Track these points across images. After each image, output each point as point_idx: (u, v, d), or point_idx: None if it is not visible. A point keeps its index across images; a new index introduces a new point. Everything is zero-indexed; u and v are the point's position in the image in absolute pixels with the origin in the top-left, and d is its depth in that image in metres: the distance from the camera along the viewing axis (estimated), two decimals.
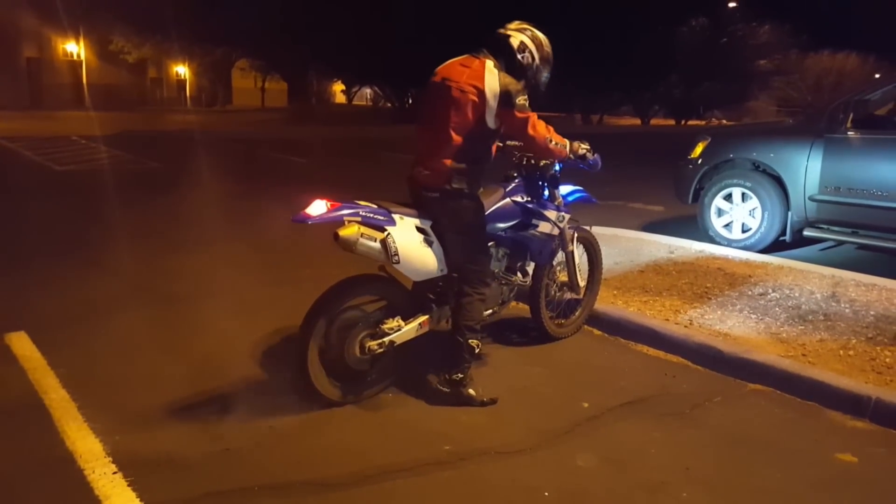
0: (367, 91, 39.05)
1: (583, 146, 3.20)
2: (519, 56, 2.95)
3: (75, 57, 29.57)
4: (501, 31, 3.01)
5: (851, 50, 37.38)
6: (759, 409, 3.06)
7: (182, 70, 36.45)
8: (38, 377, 3.07)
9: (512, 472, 2.47)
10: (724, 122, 33.04)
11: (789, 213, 5.60)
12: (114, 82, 30.64)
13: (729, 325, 3.81)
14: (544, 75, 3.06)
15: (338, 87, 41.31)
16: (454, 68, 2.92)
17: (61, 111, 24.25)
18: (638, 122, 36.90)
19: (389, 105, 30.04)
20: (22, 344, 3.43)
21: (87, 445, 2.51)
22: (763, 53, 34.31)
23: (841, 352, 3.49)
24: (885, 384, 3.12)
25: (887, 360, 3.39)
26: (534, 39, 3.01)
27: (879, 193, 5.11)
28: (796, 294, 4.39)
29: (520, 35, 2.99)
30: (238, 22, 22.03)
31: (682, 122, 37.01)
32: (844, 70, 36.28)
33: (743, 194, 5.86)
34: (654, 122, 37.18)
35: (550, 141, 2.96)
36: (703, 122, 35.00)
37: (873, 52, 35.78)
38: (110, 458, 2.42)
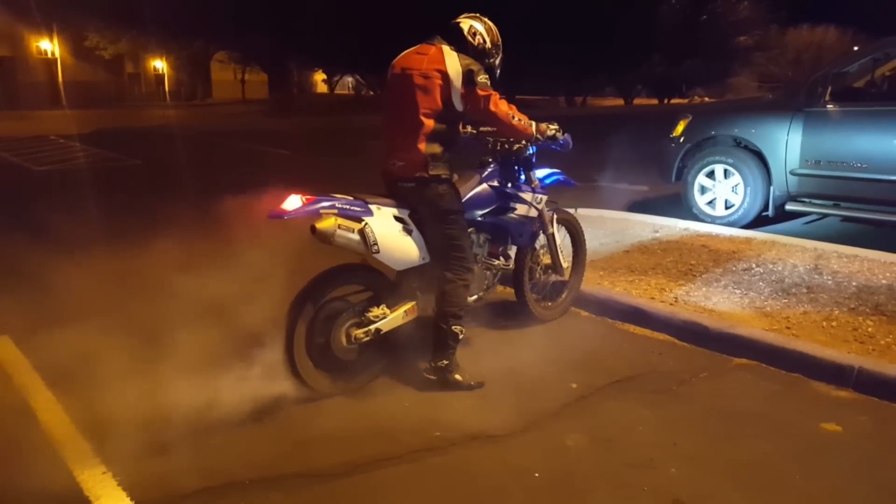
0: (349, 80, 38.70)
1: (551, 127, 3.26)
2: (470, 39, 3.01)
3: (50, 55, 29.07)
4: (453, 21, 3.07)
5: (830, 23, 37.57)
6: (744, 383, 3.10)
7: (160, 65, 35.99)
8: (24, 381, 3.04)
9: (502, 454, 2.49)
10: (707, 99, 33.10)
11: (771, 188, 5.65)
12: (90, 79, 30.19)
13: (714, 302, 3.84)
14: (497, 60, 3.11)
15: (319, 77, 40.91)
16: (411, 57, 2.95)
17: (37, 110, 23.89)
18: (621, 102, 36.93)
19: (372, 93, 29.83)
20: (5, 348, 3.40)
21: (75, 447, 2.49)
22: (743, 29, 34.36)
23: (824, 323, 3.53)
24: (868, 353, 3.17)
25: (869, 329, 3.44)
26: (484, 24, 3.07)
27: (859, 165, 5.16)
28: (780, 268, 4.44)
29: (469, 21, 3.05)
30: (214, 13, 21.71)
31: (665, 100, 37.10)
32: (824, 44, 36.49)
33: (725, 171, 5.89)
34: (637, 101, 37.24)
35: (513, 117, 3.01)
36: (686, 101, 35.08)
37: (852, 25, 35.97)
38: (100, 459, 2.41)
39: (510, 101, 3.04)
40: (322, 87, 41.90)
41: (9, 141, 13.73)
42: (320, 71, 37.00)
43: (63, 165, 10.65)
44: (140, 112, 24.49)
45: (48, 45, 28.88)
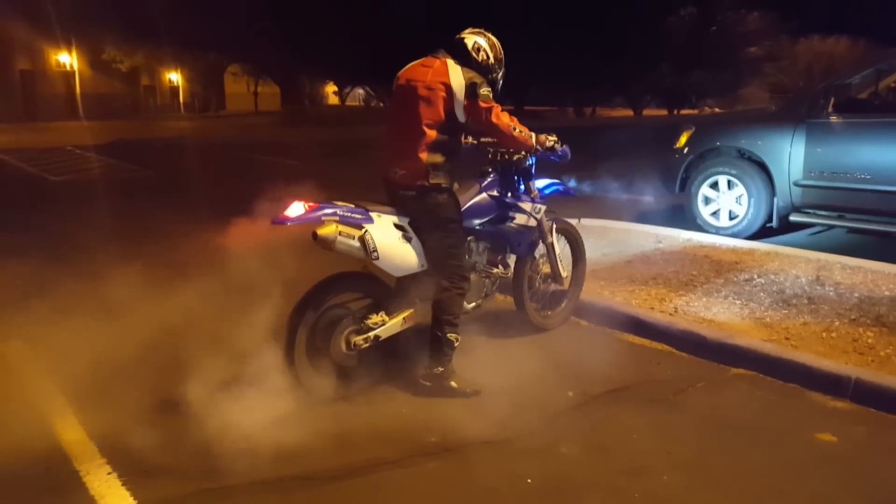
0: (360, 91, 39.07)
1: (550, 138, 3.32)
2: (475, 55, 3.08)
3: (68, 68, 29.62)
4: (457, 36, 3.15)
5: (841, 34, 37.40)
6: (741, 393, 3.12)
7: (174, 77, 36.56)
8: (35, 383, 3.12)
9: (497, 461, 2.53)
10: (717, 110, 33.03)
11: (775, 200, 5.65)
12: (107, 92, 30.71)
13: (713, 312, 3.86)
14: (499, 75, 3.20)
15: (330, 89, 41.35)
16: (416, 69, 3.03)
17: (55, 122, 24.34)
18: (630, 112, 36.94)
19: (382, 105, 30.09)
20: (19, 352, 3.49)
21: (82, 447, 2.57)
22: (753, 40, 34.29)
23: (824, 334, 3.54)
24: (866, 364, 3.18)
25: (869, 340, 3.45)
26: (487, 40, 3.15)
27: (863, 176, 5.16)
28: (781, 279, 4.45)
29: (473, 37, 3.13)
30: (227, 26, 22.08)
31: (675, 111, 37.06)
32: (835, 54, 36.28)
33: (729, 182, 5.91)
34: (646, 112, 37.22)
35: (514, 129, 3.08)
36: (696, 111, 35.01)
37: (863, 36, 35.75)
38: (105, 459, 2.48)
39: (519, 110, 3.11)
40: (333, 99, 42.33)
41: (28, 152, 14.00)
42: (331, 83, 37.38)
43: (78, 176, 10.86)
44: (155, 123, 24.86)
45: (67, 59, 29.43)
